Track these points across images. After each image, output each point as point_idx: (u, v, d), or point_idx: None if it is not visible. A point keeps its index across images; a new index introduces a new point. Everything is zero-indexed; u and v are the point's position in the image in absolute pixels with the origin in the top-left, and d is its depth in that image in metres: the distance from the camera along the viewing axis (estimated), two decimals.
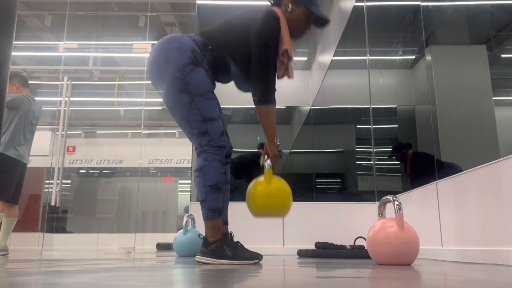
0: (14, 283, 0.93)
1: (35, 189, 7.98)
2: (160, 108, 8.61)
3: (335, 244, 2.84)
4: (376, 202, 3.39)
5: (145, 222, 9.12)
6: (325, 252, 2.68)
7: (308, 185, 4.92)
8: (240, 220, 3.34)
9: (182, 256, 3.02)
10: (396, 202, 1.75)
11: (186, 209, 5.50)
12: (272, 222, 3.40)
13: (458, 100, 2.14)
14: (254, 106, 2.03)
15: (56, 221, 7.97)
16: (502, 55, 1.79)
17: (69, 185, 8.97)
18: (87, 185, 9.24)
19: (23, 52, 7.57)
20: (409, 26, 2.75)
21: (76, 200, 9.19)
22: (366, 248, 2.61)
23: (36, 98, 3.96)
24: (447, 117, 2.23)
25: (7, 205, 3.64)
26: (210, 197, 1.91)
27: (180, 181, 9.61)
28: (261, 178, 2.00)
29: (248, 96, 2.06)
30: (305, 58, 5.59)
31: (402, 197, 2.77)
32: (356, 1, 3.83)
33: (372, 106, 3.58)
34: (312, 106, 5.18)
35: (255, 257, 1.89)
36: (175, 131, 8.86)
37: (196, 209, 3.38)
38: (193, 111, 1.92)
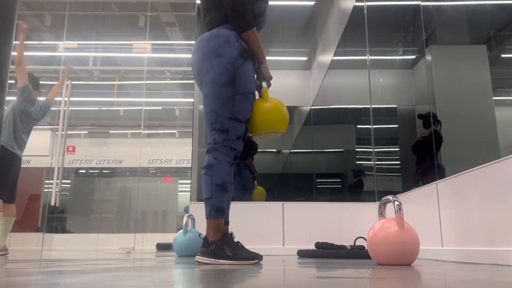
0: (14, 283, 0.93)
1: (34, 189, 7.98)
2: (160, 108, 8.61)
3: (335, 244, 2.84)
4: (376, 202, 3.39)
5: (145, 222, 9.12)
6: (325, 252, 2.68)
7: (308, 185, 4.92)
8: (240, 220, 3.34)
9: (182, 256, 3.02)
10: (396, 202, 1.75)
11: (186, 209, 5.50)
12: (273, 222, 3.40)
13: (458, 100, 2.14)
14: None
15: (56, 221, 7.97)
16: (502, 55, 1.79)
17: (69, 185, 8.97)
18: (87, 185, 9.24)
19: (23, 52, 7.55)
20: (409, 26, 2.75)
21: (76, 200, 9.19)
22: (366, 248, 2.61)
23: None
24: (447, 117, 2.23)
25: (4, 205, 3.63)
26: (216, 196, 1.91)
27: (180, 181, 9.60)
28: (259, 98, 2.08)
29: None
30: (305, 58, 5.59)
31: (402, 197, 2.77)
32: (356, 1, 3.83)
33: (372, 106, 3.57)
34: (312, 106, 5.17)
35: (255, 257, 1.89)
36: (175, 131, 8.86)
37: (196, 209, 3.38)
38: (227, 106, 1.95)
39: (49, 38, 7.44)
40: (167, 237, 7.31)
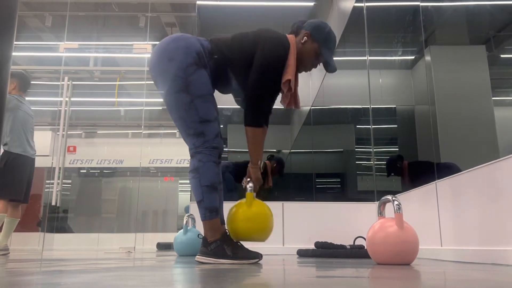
0: (14, 283, 0.93)
1: (35, 189, 7.96)
2: (160, 108, 8.61)
3: (335, 244, 2.84)
4: (375, 202, 3.39)
5: (146, 222, 9.13)
6: (325, 252, 2.69)
7: (308, 185, 4.92)
8: None
9: (182, 255, 3.02)
10: (395, 202, 1.75)
11: (186, 209, 5.51)
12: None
13: (457, 100, 2.14)
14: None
15: (56, 221, 7.97)
16: (502, 55, 1.80)
17: (69, 185, 8.98)
18: (87, 185, 9.26)
19: (24, 52, 7.57)
20: (409, 27, 2.75)
21: (76, 200, 9.19)
22: (365, 247, 2.62)
23: (36, 99, 3.98)
24: (446, 117, 2.23)
25: (12, 205, 3.65)
26: (207, 197, 1.91)
27: (180, 181, 9.61)
28: (242, 201, 2.00)
29: None
30: None
31: (401, 197, 2.77)
32: (356, 2, 3.84)
33: (372, 106, 3.58)
34: (312, 106, 5.18)
35: (255, 257, 1.89)
36: (175, 131, 8.86)
37: (196, 209, 3.38)
38: (191, 111, 1.92)
39: (49, 38, 7.45)
40: (168, 237, 7.32)
